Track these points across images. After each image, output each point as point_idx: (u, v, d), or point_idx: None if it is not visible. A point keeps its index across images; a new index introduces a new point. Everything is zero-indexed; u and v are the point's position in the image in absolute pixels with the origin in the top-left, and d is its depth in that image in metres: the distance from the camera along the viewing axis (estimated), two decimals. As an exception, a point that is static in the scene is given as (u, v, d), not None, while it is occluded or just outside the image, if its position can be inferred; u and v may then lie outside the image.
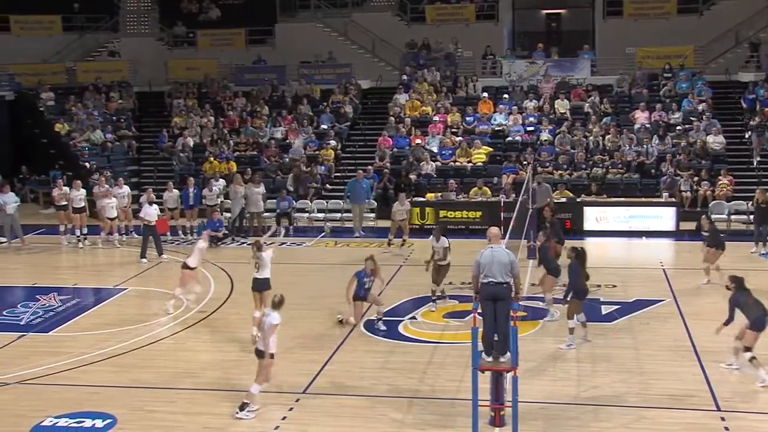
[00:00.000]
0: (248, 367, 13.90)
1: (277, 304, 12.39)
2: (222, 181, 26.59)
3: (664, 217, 24.52)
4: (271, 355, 12.14)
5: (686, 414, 11.84)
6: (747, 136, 28.51)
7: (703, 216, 20.50)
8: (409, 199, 25.25)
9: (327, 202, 27.50)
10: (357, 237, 24.80)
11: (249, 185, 25.55)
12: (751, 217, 23.41)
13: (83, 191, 24.69)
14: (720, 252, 18.86)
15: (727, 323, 13.19)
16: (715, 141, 27.84)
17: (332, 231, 25.69)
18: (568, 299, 14.82)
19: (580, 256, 14.99)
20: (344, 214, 26.69)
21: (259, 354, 12.26)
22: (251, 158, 29.73)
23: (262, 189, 25.68)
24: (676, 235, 24.11)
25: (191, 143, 30.80)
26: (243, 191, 25.28)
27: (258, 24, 36.66)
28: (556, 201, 23.40)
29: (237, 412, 12.07)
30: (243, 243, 24.52)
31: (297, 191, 27.43)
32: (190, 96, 33.92)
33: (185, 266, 17.46)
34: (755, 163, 27.05)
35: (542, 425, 11.52)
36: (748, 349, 12.84)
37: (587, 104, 30.58)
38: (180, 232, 25.17)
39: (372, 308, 16.47)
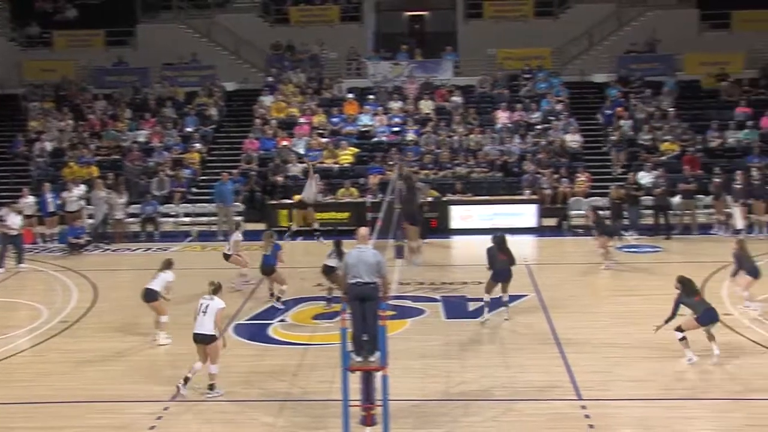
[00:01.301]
0: (112, 377, 13.58)
1: (216, 289, 13.09)
2: (83, 186, 25.79)
3: (527, 214, 25.20)
4: (211, 338, 12.67)
5: (551, 404, 12.21)
6: (606, 148, 29.29)
7: (588, 208, 22.26)
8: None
9: (193, 206, 27.08)
10: (221, 240, 24.47)
11: (112, 194, 24.90)
12: (608, 212, 24.35)
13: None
14: (608, 239, 20.26)
15: (668, 321, 13.69)
16: (573, 140, 28.88)
17: (199, 235, 25.32)
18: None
19: (497, 240, 16.21)
20: (211, 218, 26.35)
21: (203, 339, 12.69)
22: (114, 162, 28.94)
23: (125, 199, 25.12)
24: (538, 231, 24.85)
25: (49, 147, 29.76)
26: (105, 197, 24.60)
27: (118, 24, 35.65)
28: (422, 200, 23.75)
29: (207, 393, 12.60)
30: (106, 249, 23.91)
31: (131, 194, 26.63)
32: (47, 99, 32.75)
33: (226, 256, 19.02)
34: (617, 173, 27.75)
35: (413, 422, 11.66)
36: (682, 330, 13.54)
37: (448, 105, 31.11)
38: (39, 239, 24.30)
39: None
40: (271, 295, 17.80)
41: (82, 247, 23.61)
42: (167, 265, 15.30)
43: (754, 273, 16.03)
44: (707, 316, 13.62)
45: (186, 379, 12.72)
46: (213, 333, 12.73)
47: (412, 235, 20.80)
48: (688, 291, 13.80)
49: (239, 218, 25.46)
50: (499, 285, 16.25)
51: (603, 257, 20.14)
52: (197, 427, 11.83)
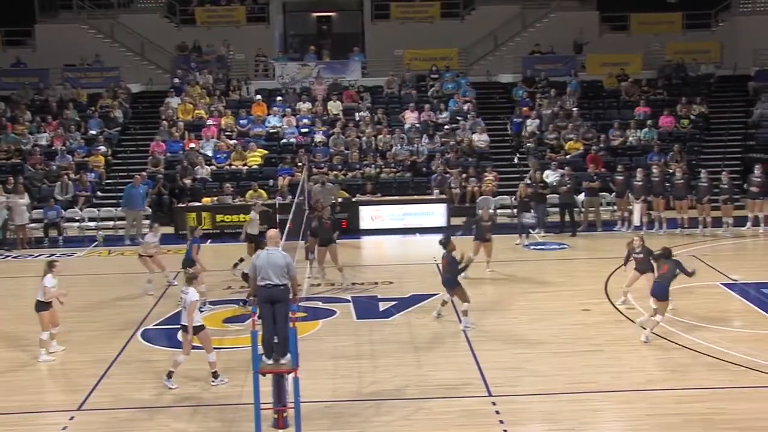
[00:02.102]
0: (15, 388, 13.22)
1: (190, 280, 13.38)
2: (-16, 192, 25.01)
3: (436, 214, 25.44)
4: (194, 329, 12.99)
5: (461, 401, 12.35)
6: (516, 160, 29.37)
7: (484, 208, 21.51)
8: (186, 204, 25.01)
9: (98, 210, 26.50)
10: (128, 245, 24.01)
11: (12, 196, 24.21)
12: (515, 210, 24.78)
13: None
14: (480, 243, 19.66)
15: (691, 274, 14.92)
16: (480, 139, 29.28)
17: (105, 240, 24.81)
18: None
19: (447, 244, 16.13)
20: (117, 222, 25.84)
21: (184, 329, 13.13)
22: (14, 166, 28.10)
23: (26, 200, 24.41)
24: (447, 230, 25.08)
25: (-56, 152, 28.78)
26: (5, 202, 23.89)
27: (15, 24, 34.69)
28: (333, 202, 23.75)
29: (212, 381, 13.02)
30: (7, 256, 23.24)
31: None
32: (-60, 101, 31.66)
33: (140, 255, 18.67)
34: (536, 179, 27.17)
35: (326, 424, 11.66)
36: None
37: (357, 110, 31.03)
38: (-65, 247, 23.51)
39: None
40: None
41: (-19, 254, 22.92)
42: (46, 268, 14.63)
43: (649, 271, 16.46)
44: (657, 289, 14.55)
45: (170, 374, 13.06)
46: (198, 324, 13.08)
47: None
48: (662, 258, 14.83)
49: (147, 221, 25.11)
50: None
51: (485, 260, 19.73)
52: (105, 436, 11.60)
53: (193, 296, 13.05)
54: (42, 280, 14.50)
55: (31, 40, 35.23)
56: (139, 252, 18.96)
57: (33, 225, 24.91)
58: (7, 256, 23.29)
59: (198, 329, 13.12)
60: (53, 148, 29.09)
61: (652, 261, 15.63)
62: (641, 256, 16.25)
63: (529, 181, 25.00)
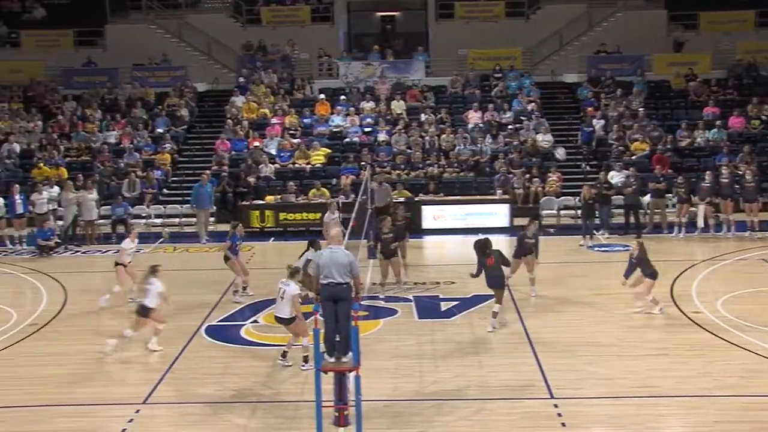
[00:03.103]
0: (83, 380, 13.48)
1: (293, 274, 13.74)
2: (57, 188, 25.52)
3: (499, 214, 25.28)
4: (287, 320, 13.56)
5: (523, 403, 12.24)
6: (588, 167, 28.38)
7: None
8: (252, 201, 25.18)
9: (165, 207, 26.92)
10: (204, 242, 24.29)
11: (81, 192, 24.72)
12: (579, 212, 24.51)
13: None
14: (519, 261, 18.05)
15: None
16: (544, 139, 29.02)
17: (171, 236, 25.18)
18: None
19: (479, 246, 15.82)
20: (182, 219, 26.22)
21: (282, 321, 13.66)
22: (84, 164, 28.72)
23: (95, 195, 24.87)
24: (511, 230, 24.89)
25: (18, 149, 29.45)
26: (75, 198, 24.40)
27: (87, 25, 35.42)
28: (395, 201, 23.75)
29: (303, 366, 13.45)
30: (77, 252, 23.73)
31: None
32: (14, 99, 32.43)
33: (116, 263, 17.76)
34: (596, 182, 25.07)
35: (386, 422, 11.65)
36: None
37: (423, 109, 30.92)
38: (7, 242, 24.05)
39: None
40: (244, 288, 17.88)
41: (51, 249, 23.39)
42: (151, 273, 14.62)
43: (653, 276, 16.20)
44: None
45: (305, 358, 13.51)
46: (290, 316, 13.49)
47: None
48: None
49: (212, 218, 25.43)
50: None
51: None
52: (169, 430, 11.75)
53: (294, 289, 13.43)
54: (150, 286, 14.44)
55: (101, 40, 35.93)
56: (115, 260, 18.11)
57: (101, 221, 25.38)
58: (77, 252, 23.78)
59: (290, 321, 13.50)
60: (121, 146, 29.64)
61: None
62: (635, 262, 16.18)
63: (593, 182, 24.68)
